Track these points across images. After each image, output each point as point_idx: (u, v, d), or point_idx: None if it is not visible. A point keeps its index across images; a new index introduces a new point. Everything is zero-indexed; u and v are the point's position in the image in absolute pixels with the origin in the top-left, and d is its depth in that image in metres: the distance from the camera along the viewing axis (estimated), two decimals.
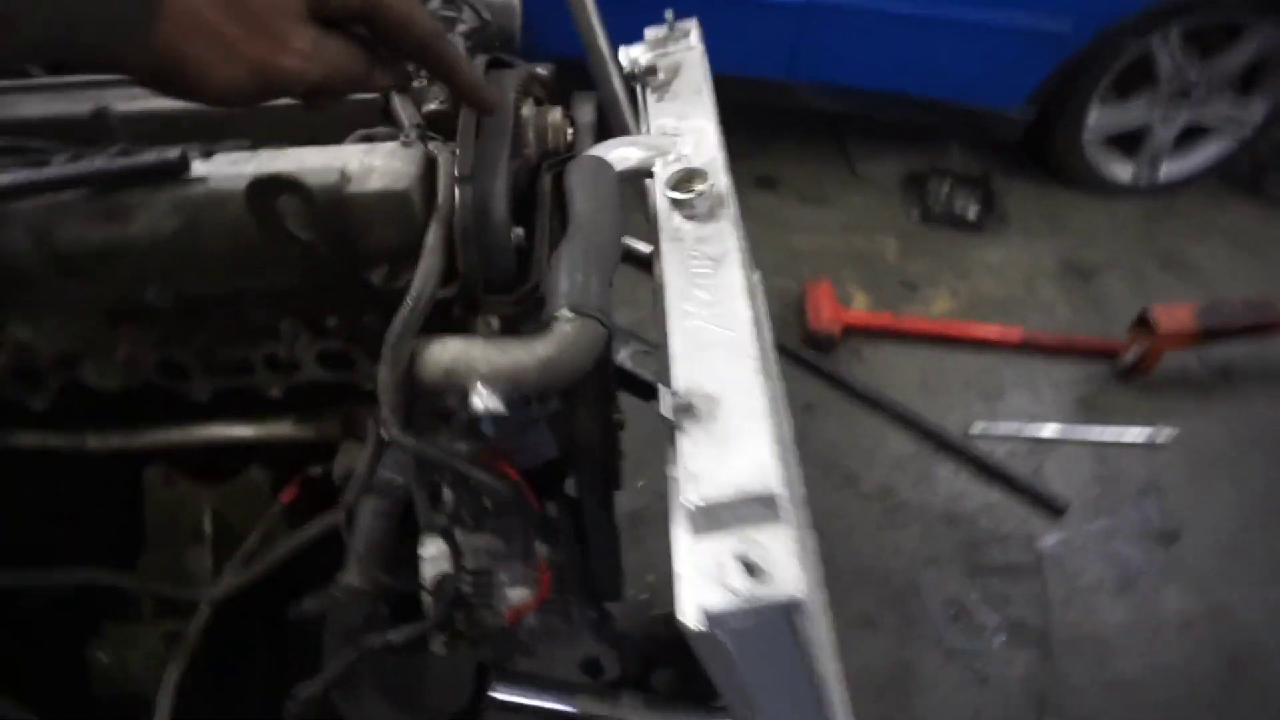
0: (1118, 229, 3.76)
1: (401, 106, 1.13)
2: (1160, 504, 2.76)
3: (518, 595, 1.21)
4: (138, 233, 0.99)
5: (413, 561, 1.13)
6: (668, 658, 1.51)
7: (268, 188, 0.92)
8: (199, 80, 0.59)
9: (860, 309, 3.33)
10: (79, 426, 1.24)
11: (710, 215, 1.15)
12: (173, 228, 0.99)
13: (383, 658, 1.17)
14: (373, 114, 1.14)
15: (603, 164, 1.16)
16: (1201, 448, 2.91)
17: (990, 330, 3.22)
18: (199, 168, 1.01)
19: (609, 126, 1.53)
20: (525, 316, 1.04)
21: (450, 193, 0.99)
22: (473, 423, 1.01)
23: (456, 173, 0.99)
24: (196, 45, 0.57)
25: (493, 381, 0.92)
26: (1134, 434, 2.94)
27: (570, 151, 1.22)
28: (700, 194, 1.12)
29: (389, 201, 0.99)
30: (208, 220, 1.00)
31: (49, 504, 1.35)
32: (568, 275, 0.96)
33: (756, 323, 1.02)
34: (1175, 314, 2.96)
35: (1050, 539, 2.65)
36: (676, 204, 1.13)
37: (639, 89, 1.44)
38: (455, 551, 1.13)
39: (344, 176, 0.99)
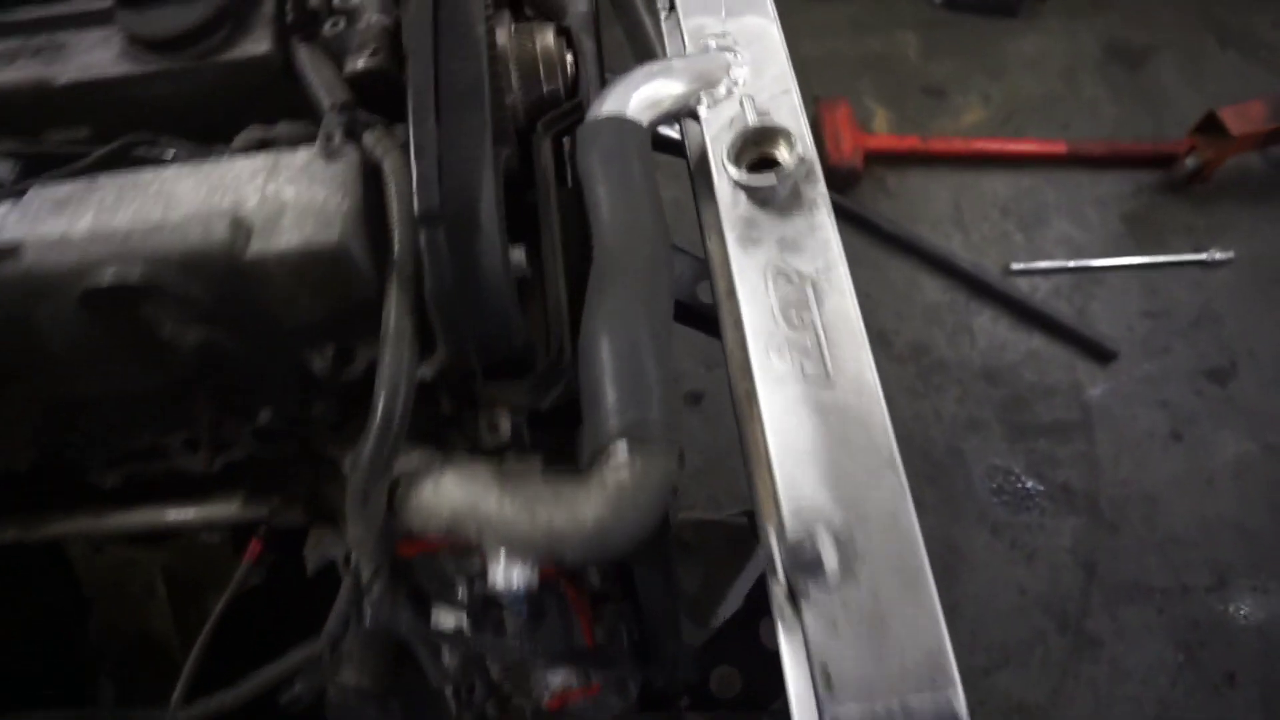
0: None
1: (313, 67, 0.72)
2: (1216, 334, 2.54)
3: (561, 680, 0.98)
4: None
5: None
6: (727, 655, 1.33)
7: (111, 300, 0.56)
8: None
9: (883, 131, 2.90)
10: None
11: (796, 202, 0.79)
12: None
13: None
14: (269, 83, 0.73)
15: (628, 129, 0.77)
16: (1260, 266, 2.64)
17: (1030, 145, 2.82)
18: (6, 228, 0.64)
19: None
20: (548, 393, 0.71)
21: (411, 235, 0.63)
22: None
23: (418, 208, 0.63)
24: None
25: (520, 552, 0.62)
26: (1187, 256, 2.66)
27: (574, 97, 0.83)
28: (782, 172, 0.75)
29: (314, 263, 0.63)
30: (39, 314, 0.64)
31: None
32: (613, 374, 0.62)
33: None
34: (1248, 113, 2.58)
35: (1098, 388, 2.45)
36: (744, 188, 0.77)
37: None
38: (480, 645, 0.87)
39: (238, 230, 0.62)
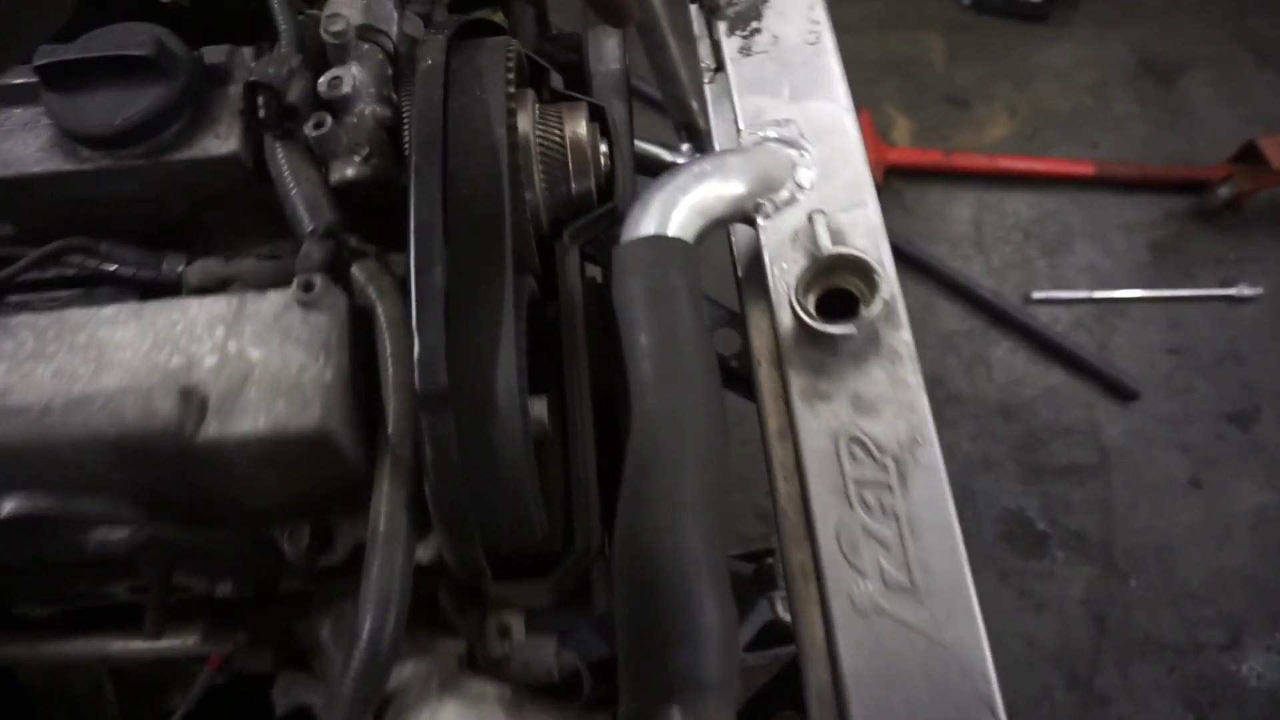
0: (1204, 10, 3.09)
1: (292, 174, 0.58)
2: (1240, 375, 2.43)
3: None
4: None
5: None
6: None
7: (16, 531, 0.43)
8: None
9: (903, 141, 2.75)
10: None
11: (874, 349, 0.66)
12: None
13: None
14: (237, 187, 0.59)
15: (674, 254, 0.63)
16: None
17: (1057, 165, 2.69)
18: None
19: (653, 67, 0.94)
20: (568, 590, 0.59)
21: (409, 413, 0.50)
22: None
23: (419, 386, 0.49)
24: None
25: None
26: (1214, 290, 2.54)
27: (609, 199, 0.69)
28: (863, 320, 0.62)
29: (286, 450, 0.50)
30: None
31: None
32: (663, 608, 0.49)
33: None
34: None
35: (1117, 429, 2.35)
36: (814, 335, 0.64)
37: (702, 17, 0.86)
38: None
39: (188, 404, 0.49)
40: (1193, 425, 2.37)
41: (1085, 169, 2.67)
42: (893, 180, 2.67)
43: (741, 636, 1.69)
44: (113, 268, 0.59)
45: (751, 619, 1.70)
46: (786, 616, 1.59)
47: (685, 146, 1.29)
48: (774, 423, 0.68)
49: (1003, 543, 2.20)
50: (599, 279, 0.86)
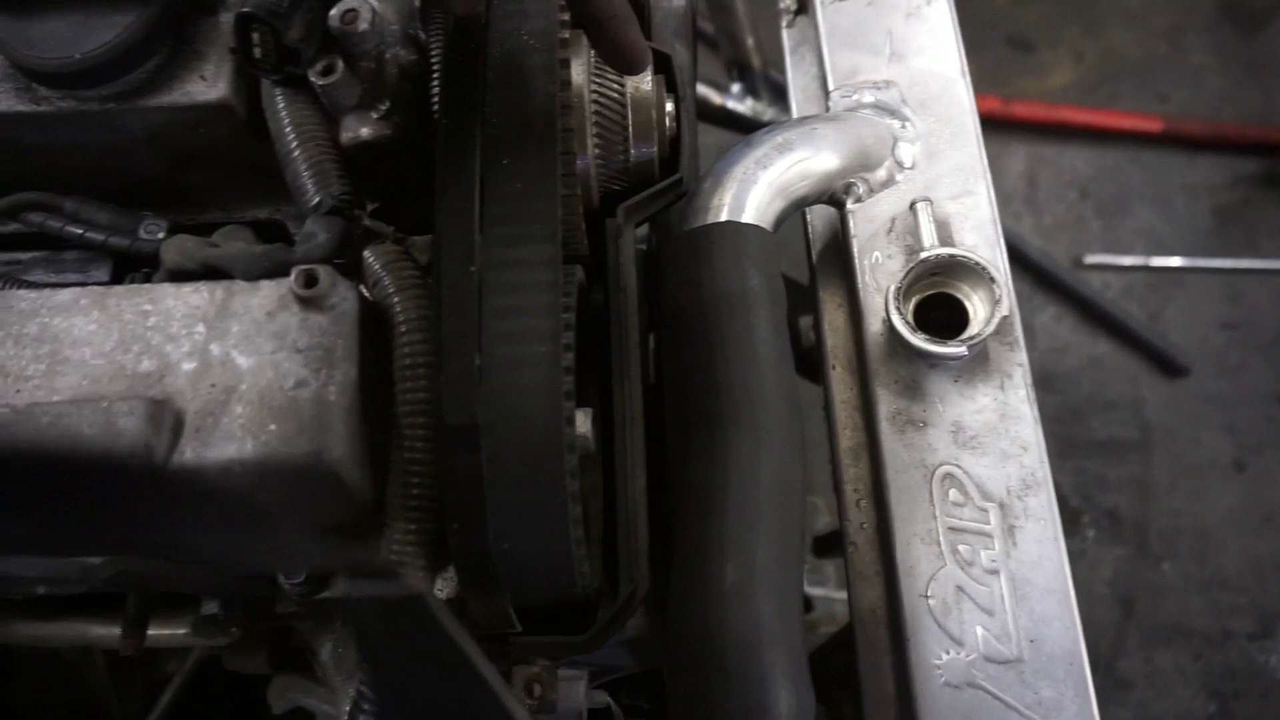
0: None
1: (294, 131, 0.47)
2: None
3: None
4: None
5: None
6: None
7: None
8: None
9: None
10: None
11: (983, 369, 0.55)
12: None
13: None
14: (227, 140, 0.48)
15: (752, 247, 0.53)
16: None
17: (1122, 119, 2.51)
18: None
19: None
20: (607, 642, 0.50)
21: (427, 449, 0.41)
22: None
23: (446, 417, 0.40)
24: None
25: None
26: (1277, 263, 2.40)
27: (674, 170, 0.58)
28: (974, 340, 0.52)
29: (276, 478, 0.41)
30: None
31: None
32: (728, 680, 0.41)
33: None
34: None
35: (1161, 405, 2.24)
36: (911, 350, 0.54)
37: None
38: None
39: (157, 423, 0.40)
40: (1242, 406, 2.26)
41: (1152, 124, 2.50)
42: None
43: None
44: (79, 230, 0.49)
45: None
46: (813, 591, 1.53)
47: (736, 87, 1.16)
48: (848, 439, 0.58)
49: None
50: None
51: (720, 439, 0.47)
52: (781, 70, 0.73)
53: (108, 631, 0.74)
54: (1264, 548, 2.12)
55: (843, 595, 0.67)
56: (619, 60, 0.46)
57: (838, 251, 0.62)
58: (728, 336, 0.48)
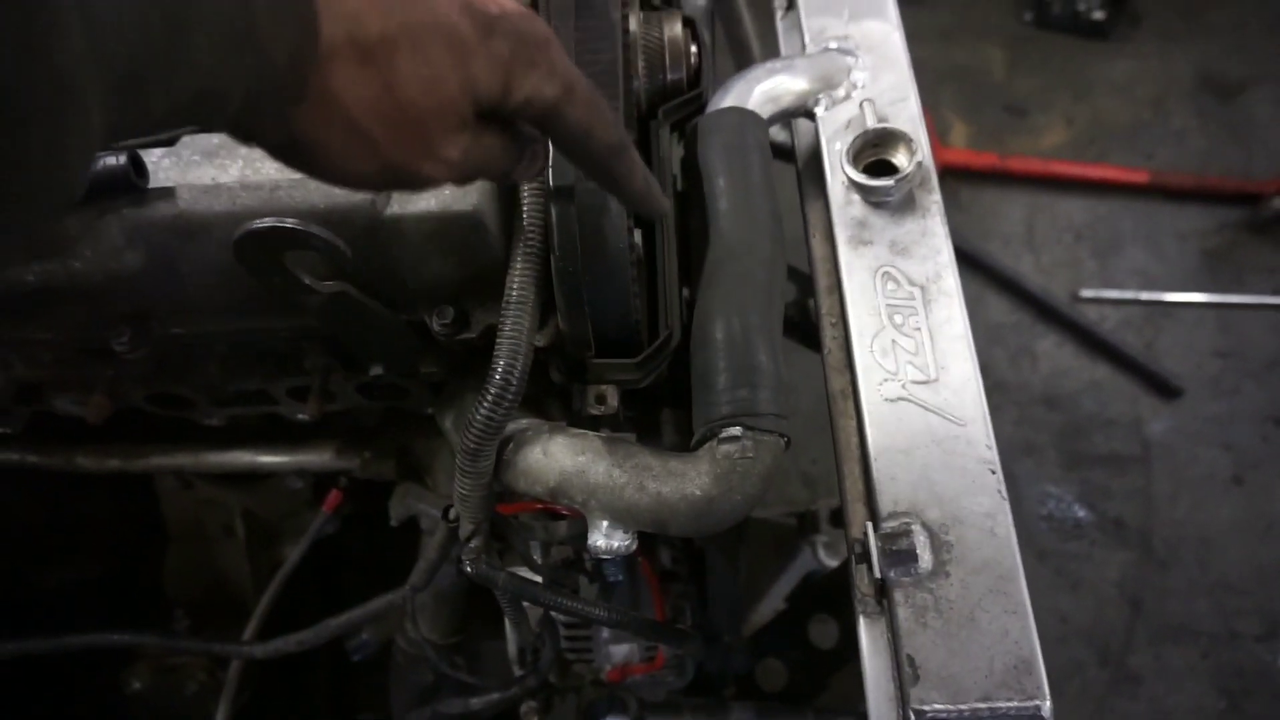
0: (1268, 30, 3.15)
1: None
2: None
3: (622, 653, 1.01)
4: (86, 271, 0.67)
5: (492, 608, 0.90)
6: (775, 648, 1.33)
7: (262, 245, 0.59)
8: (325, 165, 0.50)
9: (960, 145, 2.87)
10: (68, 445, 0.98)
11: (910, 206, 0.79)
12: (134, 264, 0.67)
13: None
14: None
15: (749, 121, 0.79)
16: None
17: (1109, 171, 2.77)
18: (160, 173, 0.67)
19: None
20: (653, 372, 0.73)
21: (542, 209, 0.65)
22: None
23: (552, 181, 0.65)
24: (335, 136, 0.47)
25: (623, 521, 0.64)
26: (1267, 298, 2.59)
27: (697, 87, 0.84)
28: (900, 176, 0.76)
29: (449, 227, 0.66)
30: (184, 256, 0.67)
31: (48, 508, 1.13)
32: (726, 356, 0.64)
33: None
34: None
35: (1160, 424, 2.41)
36: (861, 188, 0.78)
37: None
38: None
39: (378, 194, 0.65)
40: (1237, 425, 2.41)
41: (1139, 176, 2.75)
42: (948, 180, 2.78)
43: (783, 584, 1.81)
44: None
45: (793, 567, 1.81)
46: (830, 562, 1.70)
47: None
48: (824, 280, 0.81)
49: (1041, 523, 2.27)
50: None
51: (725, 226, 0.70)
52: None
53: (274, 459, 0.98)
54: (1267, 555, 2.23)
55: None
56: (641, 212, 0.63)
57: (814, 156, 0.86)
58: (731, 167, 0.72)
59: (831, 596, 1.35)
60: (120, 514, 1.18)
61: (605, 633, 0.98)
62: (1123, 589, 2.19)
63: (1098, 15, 3.14)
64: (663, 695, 1.05)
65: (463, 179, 0.55)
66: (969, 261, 2.63)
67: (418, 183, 0.53)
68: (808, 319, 1.40)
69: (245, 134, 0.47)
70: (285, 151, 0.48)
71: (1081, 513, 2.28)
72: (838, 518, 1.70)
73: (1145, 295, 2.60)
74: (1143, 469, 2.34)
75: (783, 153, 0.98)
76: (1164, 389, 2.44)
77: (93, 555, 1.24)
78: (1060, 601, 2.17)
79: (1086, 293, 2.60)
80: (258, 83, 0.43)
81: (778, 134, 1.20)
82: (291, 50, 0.43)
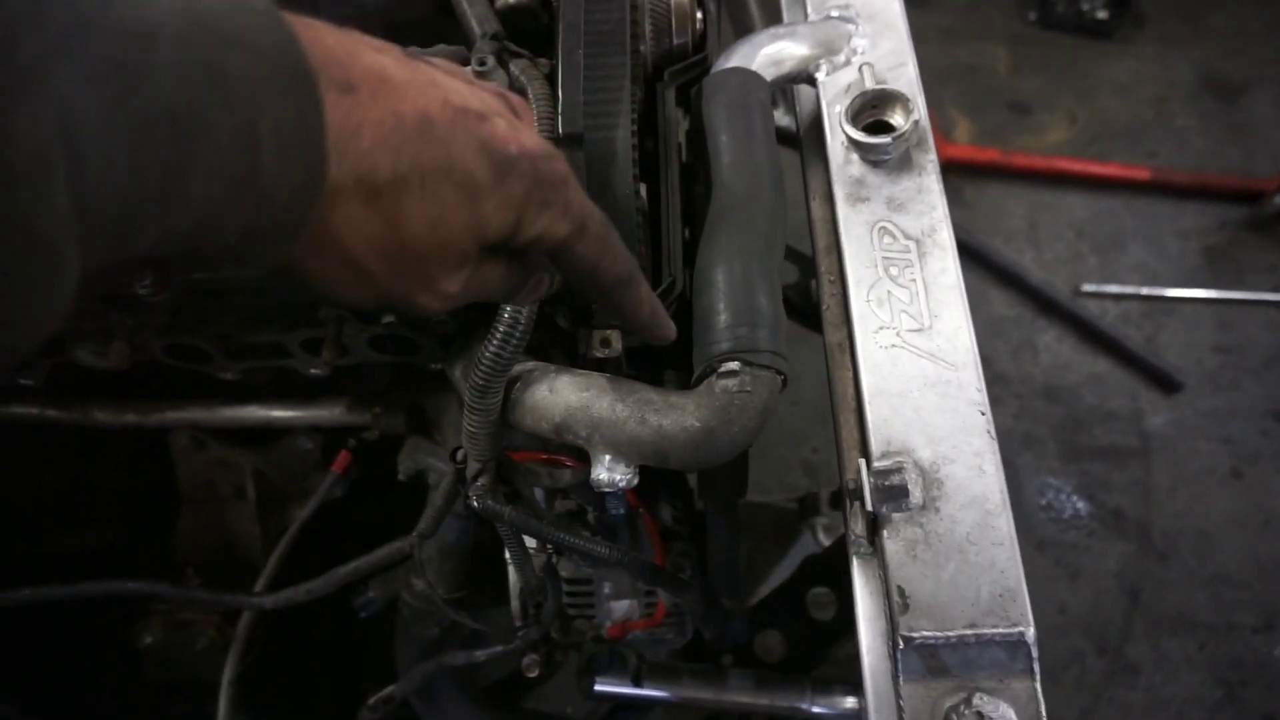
0: (1271, 33, 3.17)
1: (468, 1, 0.77)
2: None
3: (623, 609, 1.03)
4: None
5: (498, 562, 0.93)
6: (774, 619, 1.35)
7: None
8: (320, 290, 0.49)
9: (963, 141, 2.90)
10: (85, 400, 1.01)
11: (906, 165, 0.82)
12: None
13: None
14: (425, 18, 0.79)
15: (752, 82, 0.81)
16: None
17: (1112, 169, 2.79)
18: None
19: None
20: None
21: None
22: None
23: (561, 130, 0.67)
24: (330, 267, 0.47)
25: (625, 454, 0.66)
26: (1267, 295, 2.61)
27: (701, 51, 0.87)
28: (898, 134, 0.78)
29: None
30: None
31: (63, 471, 1.16)
32: (727, 298, 0.67)
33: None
34: None
35: (1160, 418, 2.42)
36: (859, 146, 0.80)
37: None
38: (550, 561, 0.91)
39: None
40: (1237, 420, 2.42)
41: (1140, 173, 2.77)
42: (952, 176, 2.80)
43: (783, 568, 1.82)
44: None
45: (794, 550, 1.83)
46: (827, 542, 1.72)
47: None
48: (823, 240, 0.84)
49: (1041, 514, 2.29)
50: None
51: (728, 178, 0.72)
52: None
53: (287, 413, 1.00)
54: (1265, 549, 2.24)
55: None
56: (647, 340, 0.65)
57: (815, 122, 0.89)
58: (733, 125, 0.75)
59: (830, 570, 1.37)
60: (133, 480, 1.21)
61: (606, 588, 1.00)
62: (1121, 580, 2.20)
63: (1101, 15, 3.17)
64: (663, 654, 1.07)
65: (459, 305, 0.55)
66: (972, 256, 2.66)
67: (413, 311, 0.52)
68: (808, 301, 1.42)
69: (239, 261, 0.46)
70: (280, 273, 0.47)
71: (1081, 504, 2.30)
72: (838, 500, 1.72)
73: (1146, 290, 2.62)
74: (1142, 462, 2.36)
75: (786, 138, 1.01)
76: (1164, 383, 2.46)
77: (106, 521, 1.27)
78: (1059, 591, 2.19)
79: (1088, 287, 2.62)
80: (255, 220, 0.42)
81: (781, 118, 1.22)
82: (294, 190, 0.42)
